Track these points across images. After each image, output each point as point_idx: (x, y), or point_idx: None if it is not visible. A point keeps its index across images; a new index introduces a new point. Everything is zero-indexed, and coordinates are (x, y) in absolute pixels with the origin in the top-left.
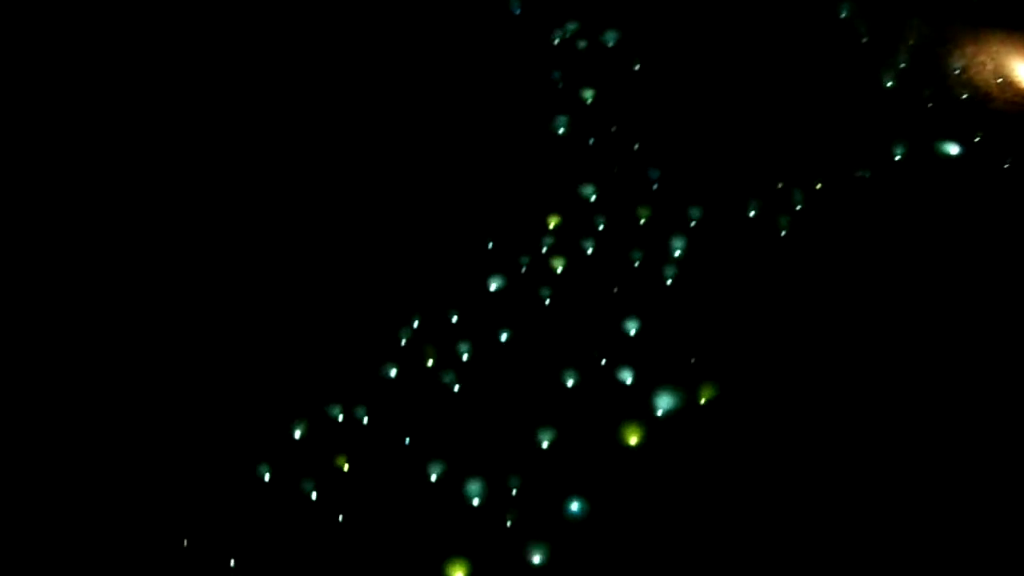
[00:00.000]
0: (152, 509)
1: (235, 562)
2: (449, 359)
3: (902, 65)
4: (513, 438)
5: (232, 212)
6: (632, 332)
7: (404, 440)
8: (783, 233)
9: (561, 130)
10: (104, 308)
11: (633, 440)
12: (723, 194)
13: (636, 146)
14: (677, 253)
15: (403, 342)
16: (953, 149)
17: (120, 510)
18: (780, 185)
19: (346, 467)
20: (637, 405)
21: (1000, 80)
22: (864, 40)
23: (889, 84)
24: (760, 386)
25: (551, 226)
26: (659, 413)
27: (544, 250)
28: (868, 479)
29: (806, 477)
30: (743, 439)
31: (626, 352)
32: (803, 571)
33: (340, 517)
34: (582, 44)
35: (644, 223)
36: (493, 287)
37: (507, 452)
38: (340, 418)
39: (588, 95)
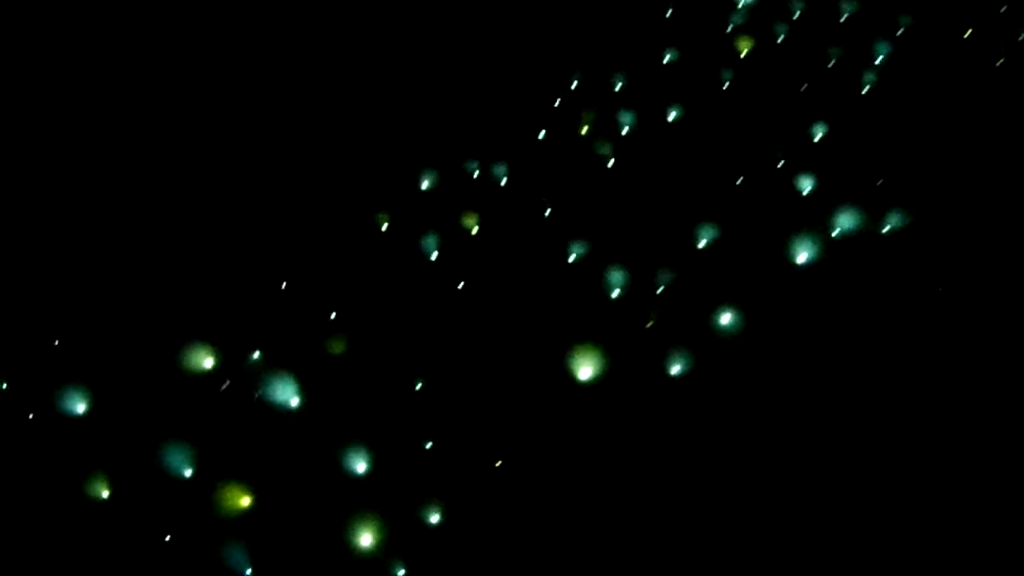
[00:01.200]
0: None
1: (335, 315)
2: (607, 129)
3: None
4: (667, 231)
5: None
6: (817, 137)
7: (544, 211)
8: (1000, 62)
9: None
10: None
11: (801, 258)
12: (941, 3)
13: None
14: (879, 59)
15: (557, 103)
16: None
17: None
18: (1004, 8)
19: (475, 229)
20: (812, 220)
21: None
22: None
23: None
24: (950, 220)
25: (739, 4)
26: (835, 233)
27: (729, 29)
28: None
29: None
30: (923, 276)
31: (807, 158)
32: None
33: (460, 284)
34: None
35: (845, 20)
36: (666, 59)
37: (657, 245)
38: (476, 174)
39: None
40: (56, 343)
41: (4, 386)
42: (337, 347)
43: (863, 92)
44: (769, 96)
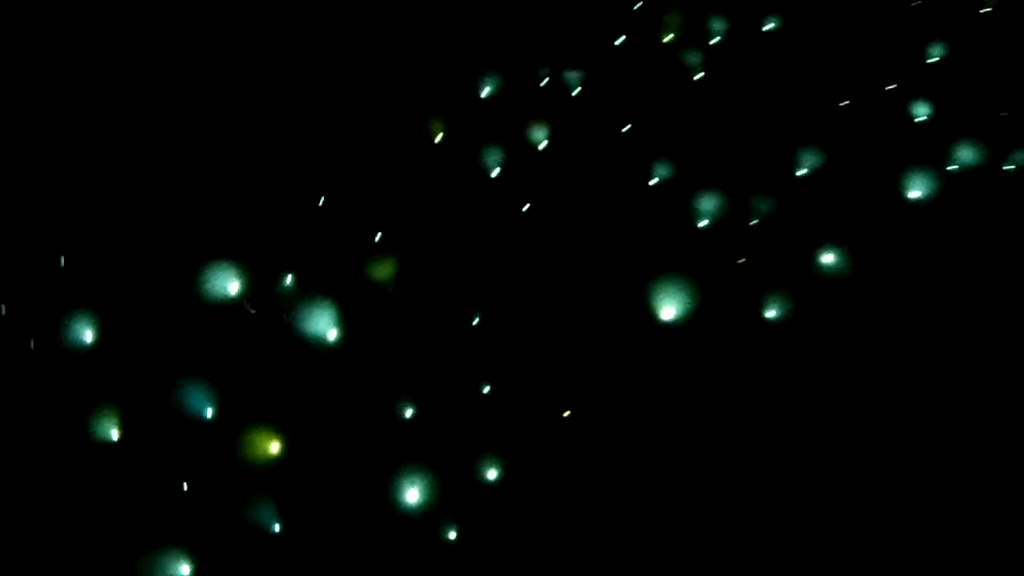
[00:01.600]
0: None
1: (381, 237)
2: (694, 37)
3: None
4: (762, 156)
5: None
6: (933, 59)
7: (621, 127)
8: None
9: None
10: None
11: (913, 194)
12: None
13: None
14: None
15: (638, 5)
16: None
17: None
18: None
19: (542, 144)
20: (927, 151)
21: None
22: None
23: None
24: None
25: None
26: (951, 167)
27: None
28: None
29: None
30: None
31: (921, 81)
32: None
33: (525, 206)
34: None
35: None
36: None
37: (752, 171)
38: (545, 82)
39: None
40: (61, 261)
41: (2, 311)
42: (382, 272)
43: (982, 11)
44: (879, 10)
